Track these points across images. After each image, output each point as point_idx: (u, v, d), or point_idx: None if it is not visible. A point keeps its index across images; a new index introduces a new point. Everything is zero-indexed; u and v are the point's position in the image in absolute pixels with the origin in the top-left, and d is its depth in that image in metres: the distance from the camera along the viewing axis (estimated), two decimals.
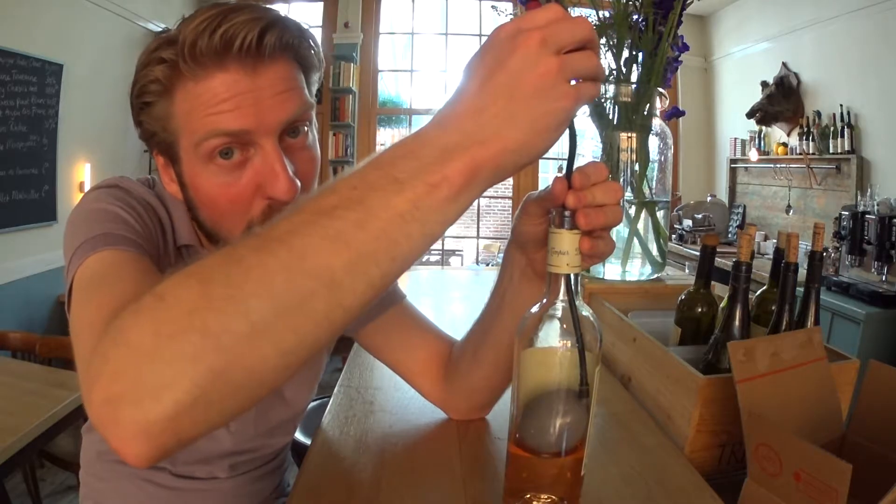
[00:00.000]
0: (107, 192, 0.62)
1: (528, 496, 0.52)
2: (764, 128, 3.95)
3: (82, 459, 0.79)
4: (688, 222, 4.17)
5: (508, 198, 5.35)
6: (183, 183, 0.61)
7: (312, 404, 1.53)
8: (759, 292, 0.85)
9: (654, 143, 1.12)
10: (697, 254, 0.92)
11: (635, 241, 1.13)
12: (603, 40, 1.10)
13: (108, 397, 0.35)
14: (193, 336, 0.34)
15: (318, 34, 4.77)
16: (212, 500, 0.76)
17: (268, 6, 0.58)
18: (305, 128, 0.61)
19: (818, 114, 3.47)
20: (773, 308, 0.75)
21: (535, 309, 0.51)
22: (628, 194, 1.12)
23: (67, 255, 0.56)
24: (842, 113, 3.26)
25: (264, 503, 0.83)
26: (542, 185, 0.55)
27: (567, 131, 0.45)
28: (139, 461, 0.35)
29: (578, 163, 0.50)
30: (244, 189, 0.58)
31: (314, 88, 0.64)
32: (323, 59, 0.64)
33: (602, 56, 1.11)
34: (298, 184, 0.58)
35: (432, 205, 0.37)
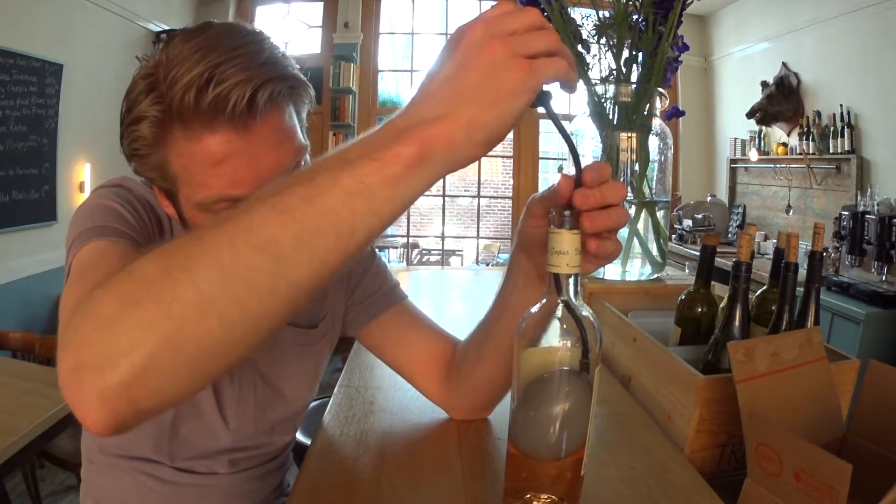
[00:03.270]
0: (109, 190, 0.65)
1: (528, 496, 0.52)
2: (764, 128, 3.95)
3: (83, 454, 0.79)
4: (688, 222, 4.17)
5: (508, 198, 5.35)
6: (181, 216, 0.62)
7: (313, 404, 1.53)
8: (759, 292, 0.85)
9: (654, 143, 1.12)
10: (697, 254, 0.92)
11: (635, 241, 1.13)
12: (603, 40, 1.10)
13: (74, 365, 0.36)
14: (149, 304, 0.36)
15: (317, 34, 4.78)
16: (211, 497, 0.76)
17: (256, 51, 0.55)
18: (300, 166, 0.61)
19: (818, 114, 3.47)
20: (773, 308, 0.75)
21: (534, 309, 0.51)
22: (628, 194, 1.12)
23: (67, 246, 0.59)
24: (842, 113, 3.26)
25: (265, 502, 0.83)
26: (542, 186, 0.54)
27: (561, 136, 0.45)
28: (98, 427, 0.37)
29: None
30: None
31: (305, 116, 0.63)
32: (312, 93, 0.63)
33: (602, 56, 1.11)
34: None
35: (379, 180, 0.38)
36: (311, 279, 0.38)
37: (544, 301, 0.51)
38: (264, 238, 0.37)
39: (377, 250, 0.87)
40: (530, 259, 0.59)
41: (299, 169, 0.61)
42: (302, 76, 0.60)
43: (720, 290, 0.87)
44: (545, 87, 0.44)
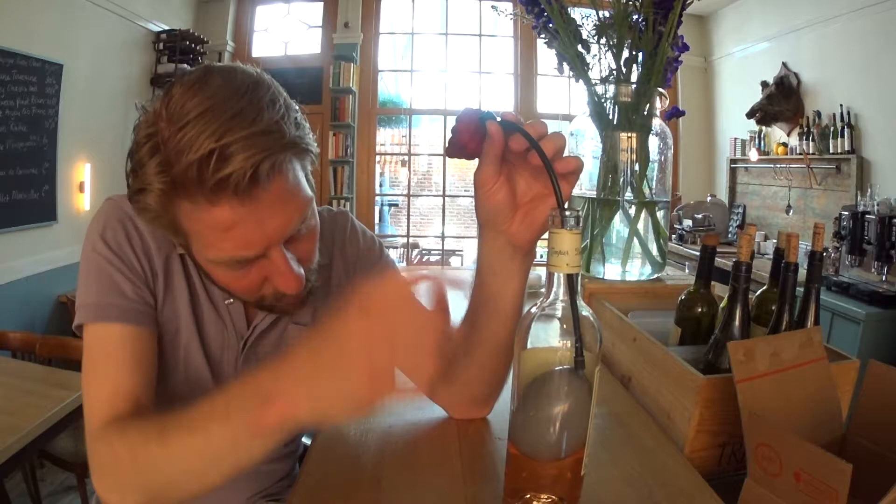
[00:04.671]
0: (104, 236, 0.68)
1: (528, 496, 0.52)
2: (764, 128, 3.95)
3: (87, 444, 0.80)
4: (688, 222, 4.17)
5: None
6: (192, 258, 0.66)
7: None
8: (759, 292, 0.85)
9: (654, 143, 1.12)
10: (697, 254, 0.92)
11: (635, 241, 1.13)
12: (603, 40, 1.10)
13: (103, 487, 0.56)
14: (132, 482, 0.55)
15: (317, 34, 4.78)
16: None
17: (256, 115, 0.55)
18: (308, 222, 0.64)
19: (818, 114, 3.47)
20: (773, 308, 0.75)
21: (534, 309, 0.51)
22: (628, 194, 1.12)
23: (76, 305, 0.68)
24: (842, 113, 3.26)
25: (274, 487, 0.85)
26: None
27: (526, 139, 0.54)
28: None
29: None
30: (254, 281, 0.64)
31: (309, 168, 0.64)
32: (316, 150, 0.64)
33: (602, 56, 1.11)
34: (302, 273, 0.64)
35: (248, 435, 0.50)
36: (224, 478, 0.53)
37: (544, 301, 0.51)
38: (189, 463, 0.53)
39: (382, 246, 0.88)
40: (501, 233, 0.62)
41: (312, 220, 0.65)
42: (304, 137, 0.60)
43: (720, 290, 0.87)
44: (486, 110, 0.55)
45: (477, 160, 0.58)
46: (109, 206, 0.70)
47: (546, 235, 0.52)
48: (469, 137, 0.56)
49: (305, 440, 1.31)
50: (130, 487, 0.55)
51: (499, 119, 0.55)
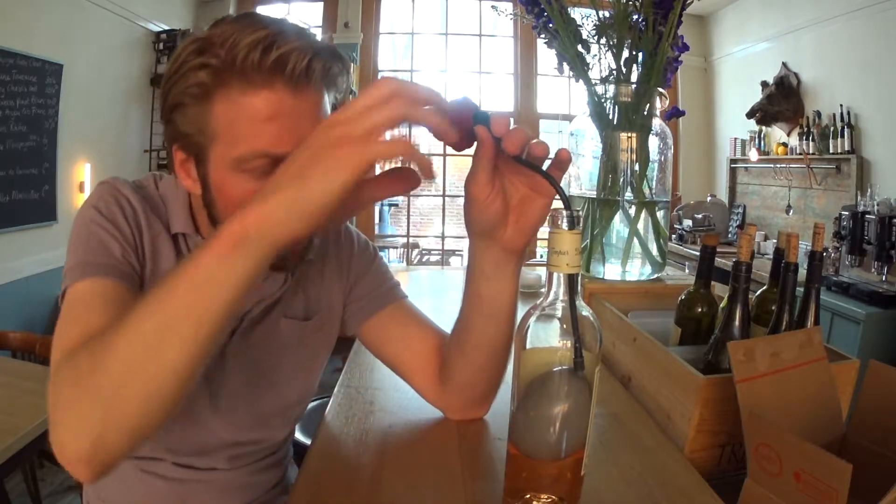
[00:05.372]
0: (98, 197, 0.68)
1: (528, 496, 0.52)
2: (764, 128, 3.95)
3: None
4: (688, 222, 4.17)
5: None
6: (205, 182, 0.63)
7: (312, 404, 1.53)
8: (759, 292, 0.85)
9: (654, 143, 1.12)
10: (697, 254, 0.92)
11: (635, 241, 1.13)
12: (603, 40, 1.10)
13: (57, 440, 0.48)
14: (87, 396, 0.47)
15: (318, 34, 4.76)
16: (212, 491, 0.77)
17: (311, 33, 0.61)
18: None
19: (818, 114, 3.47)
20: (773, 308, 0.75)
21: (534, 309, 0.51)
22: (628, 194, 1.12)
23: (64, 272, 0.64)
24: (842, 113, 3.26)
25: (266, 496, 0.83)
26: None
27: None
28: (85, 480, 0.49)
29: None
30: None
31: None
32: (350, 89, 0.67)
33: (602, 56, 1.11)
34: None
35: (207, 271, 0.45)
36: (185, 359, 0.47)
37: (543, 301, 0.51)
38: (142, 332, 0.46)
39: (377, 250, 0.88)
40: (494, 240, 0.60)
41: None
42: (344, 83, 0.65)
43: (720, 290, 0.87)
44: (482, 109, 0.50)
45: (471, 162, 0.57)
46: (103, 185, 0.70)
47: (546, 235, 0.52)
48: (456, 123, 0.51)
49: (305, 440, 1.31)
50: (86, 416, 0.46)
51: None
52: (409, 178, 0.52)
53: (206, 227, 0.71)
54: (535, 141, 0.51)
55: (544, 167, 0.53)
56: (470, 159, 0.56)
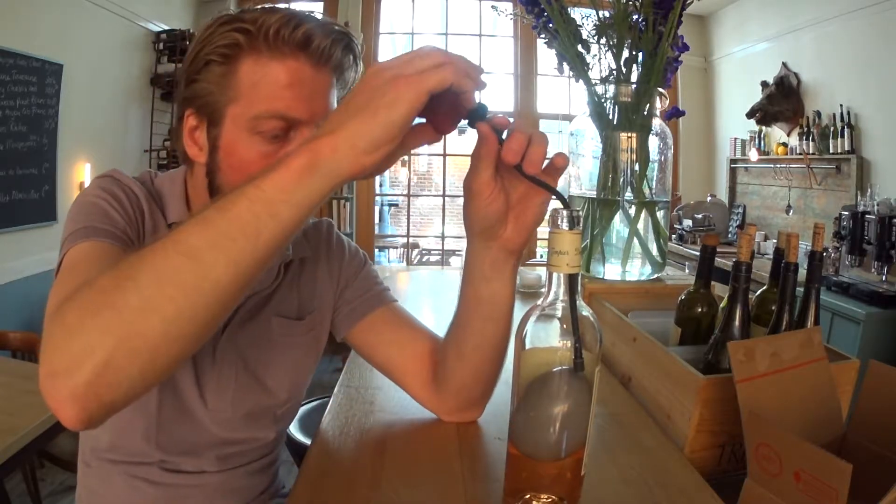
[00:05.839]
0: (100, 183, 0.69)
1: (528, 496, 0.52)
2: (764, 128, 3.95)
3: (79, 458, 0.79)
4: (688, 222, 4.17)
5: None
6: (214, 146, 0.66)
7: (312, 404, 1.53)
8: (759, 292, 0.85)
9: (654, 143, 1.12)
10: (697, 254, 0.92)
11: (635, 241, 1.13)
12: (603, 40, 1.10)
13: (48, 371, 0.42)
14: (105, 312, 0.42)
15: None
16: (201, 496, 0.76)
17: (331, 20, 0.68)
18: None
19: (818, 114, 3.47)
20: (773, 308, 0.75)
21: (534, 309, 0.51)
22: (628, 194, 1.12)
23: (61, 242, 0.63)
24: (842, 113, 3.26)
25: (258, 499, 0.82)
26: None
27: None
28: (72, 423, 0.43)
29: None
30: None
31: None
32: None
33: (602, 56, 1.11)
34: None
35: (274, 187, 0.45)
36: (229, 279, 0.44)
37: (543, 301, 0.51)
38: (188, 245, 0.44)
39: (367, 256, 0.88)
40: (494, 239, 0.61)
41: None
42: (352, 78, 0.70)
43: (720, 290, 0.87)
44: (479, 101, 0.51)
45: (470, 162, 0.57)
46: (103, 175, 0.72)
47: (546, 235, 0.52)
48: (447, 108, 0.50)
49: (305, 440, 1.31)
50: (99, 333, 0.42)
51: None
52: (430, 134, 0.55)
53: None
54: (533, 146, 0.52)
55: (543, 167, 0.53)
56: (469, 159, 0.57)
